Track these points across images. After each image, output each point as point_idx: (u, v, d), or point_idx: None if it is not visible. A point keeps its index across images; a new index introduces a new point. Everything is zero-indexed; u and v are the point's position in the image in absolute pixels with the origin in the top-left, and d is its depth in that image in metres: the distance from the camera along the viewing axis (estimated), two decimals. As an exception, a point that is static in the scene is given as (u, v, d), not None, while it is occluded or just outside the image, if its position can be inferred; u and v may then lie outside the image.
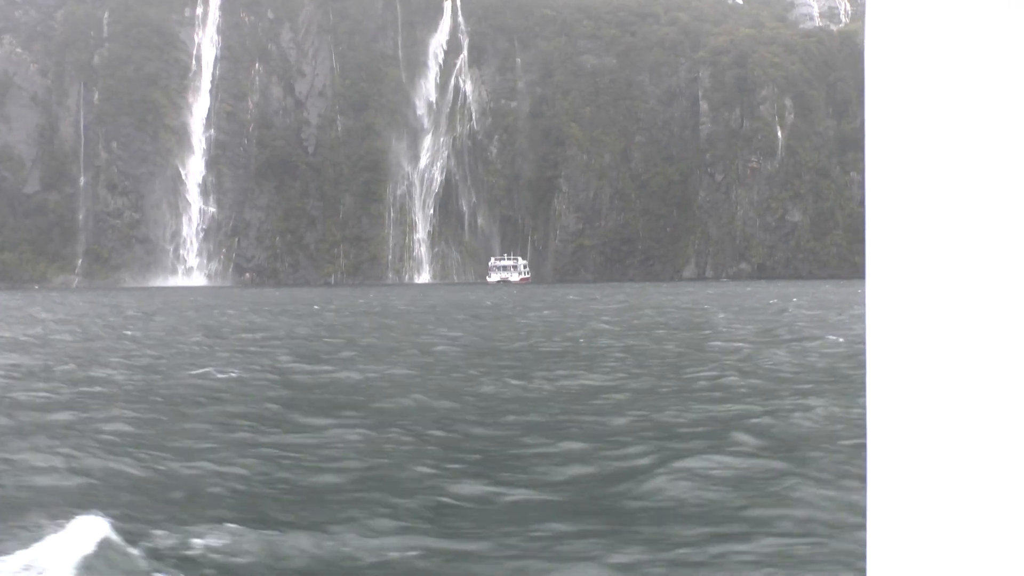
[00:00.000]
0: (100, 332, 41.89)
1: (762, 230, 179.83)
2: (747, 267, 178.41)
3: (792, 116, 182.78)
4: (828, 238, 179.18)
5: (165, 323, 49.67)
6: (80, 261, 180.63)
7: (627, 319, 48.24)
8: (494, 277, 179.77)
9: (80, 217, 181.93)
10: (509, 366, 24.67)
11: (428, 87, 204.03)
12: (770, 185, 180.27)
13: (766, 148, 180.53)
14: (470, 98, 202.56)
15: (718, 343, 31.66)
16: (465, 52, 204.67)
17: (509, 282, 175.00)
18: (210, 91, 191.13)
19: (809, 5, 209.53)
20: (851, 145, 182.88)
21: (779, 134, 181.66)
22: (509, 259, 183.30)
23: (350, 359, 27.47)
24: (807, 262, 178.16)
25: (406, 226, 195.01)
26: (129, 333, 41.06)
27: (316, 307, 70.97)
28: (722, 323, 43.72)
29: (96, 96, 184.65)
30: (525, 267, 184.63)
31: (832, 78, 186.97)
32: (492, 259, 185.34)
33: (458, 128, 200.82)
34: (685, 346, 30.66)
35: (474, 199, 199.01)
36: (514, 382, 20.92)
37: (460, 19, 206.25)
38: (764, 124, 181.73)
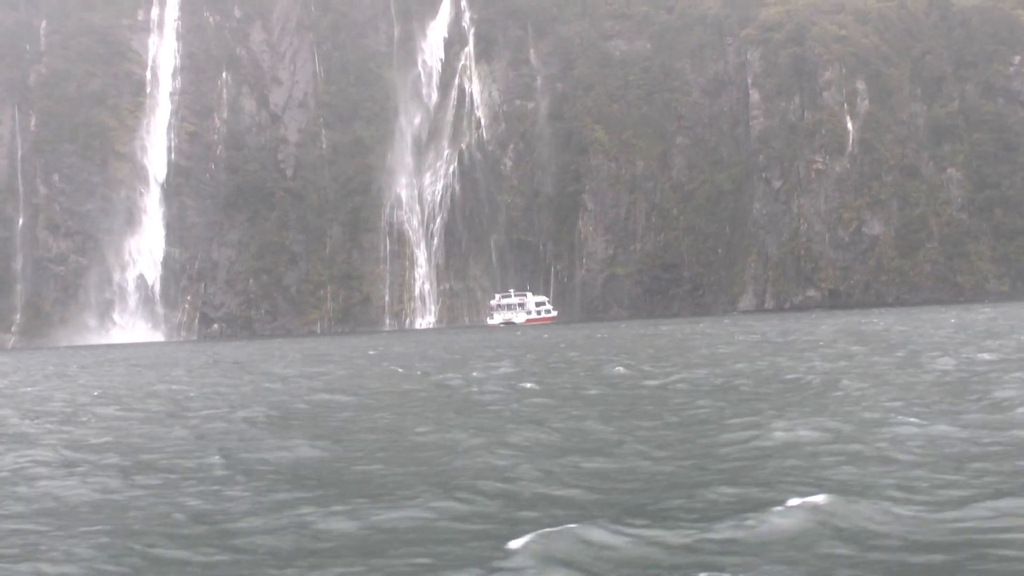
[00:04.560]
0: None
1: (833, 248, 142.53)
2: (816, 294, 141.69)
3: (866, 103, 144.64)
4: (919, 254, 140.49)
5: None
6: (18, 317, 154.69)
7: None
8: (496, 319, 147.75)
9: (17, 265, 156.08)
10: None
11: (428, 90, 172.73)
12: (841, 191, 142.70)
13: (833, 144, 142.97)
14: (478, 100, 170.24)
15: None
16: (471, 45, 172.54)
17: (513, 323, 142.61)
18: (169, 109, 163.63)
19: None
20: (947, 135, 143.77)
21: (849, 126, 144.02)
22: (516, 295, 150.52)
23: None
24: (893, 285, 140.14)
25: (405, 260, 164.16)
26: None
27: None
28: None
29: (33, 121, 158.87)
30: (540, 305, 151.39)
31: (918, 51, 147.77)
32: (496, 296, 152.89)
33: (465, 137, 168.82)
34: None
35: (486, 223, 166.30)
36: None
37: (463, 5, 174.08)
38: (830, 115, 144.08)
